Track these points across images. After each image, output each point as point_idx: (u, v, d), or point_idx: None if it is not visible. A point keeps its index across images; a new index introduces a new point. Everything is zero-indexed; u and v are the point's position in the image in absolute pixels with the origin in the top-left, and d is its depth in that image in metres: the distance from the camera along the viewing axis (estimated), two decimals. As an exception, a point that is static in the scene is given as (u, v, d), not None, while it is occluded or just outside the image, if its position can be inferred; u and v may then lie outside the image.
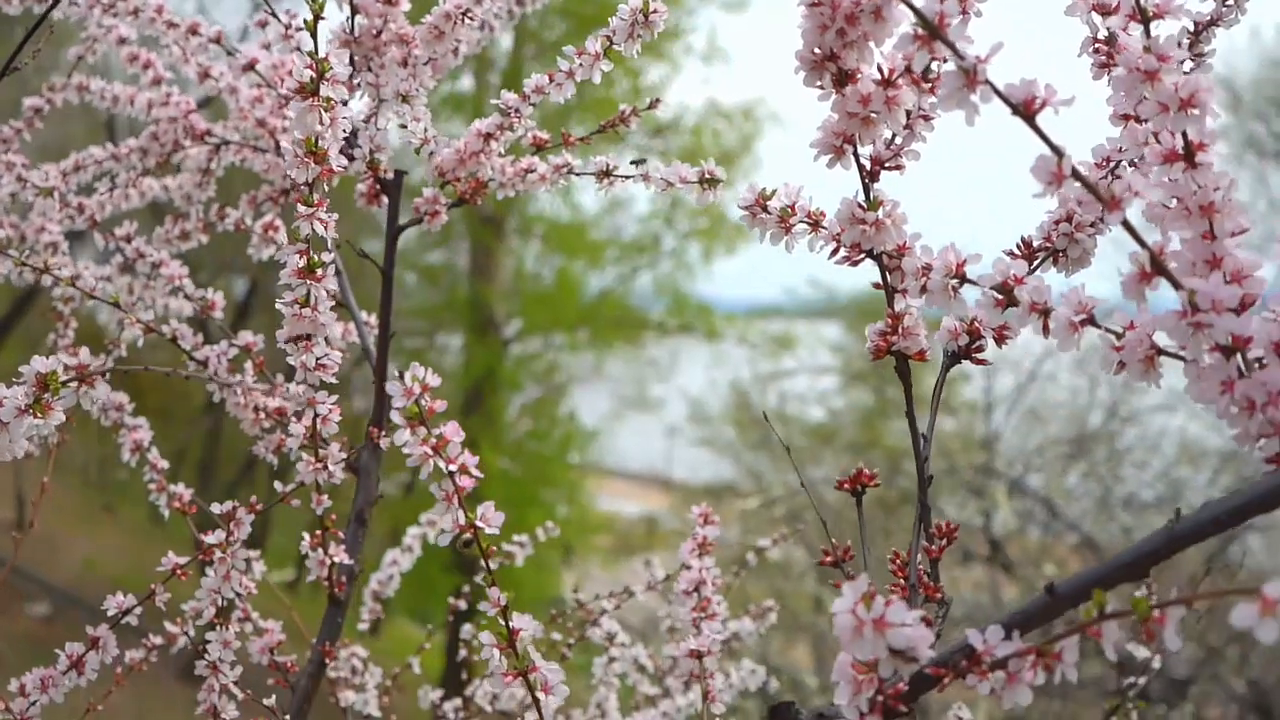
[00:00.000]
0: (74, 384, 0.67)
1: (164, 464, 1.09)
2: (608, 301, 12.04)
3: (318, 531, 0.95)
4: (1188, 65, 0.73)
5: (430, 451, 0.61)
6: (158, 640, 1.07)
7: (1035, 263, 0.68)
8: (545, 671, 0.64)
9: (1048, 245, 0.68)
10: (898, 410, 8.93)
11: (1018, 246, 0.68)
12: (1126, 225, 0.51)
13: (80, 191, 1.28)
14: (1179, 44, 0.72)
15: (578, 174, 0.96)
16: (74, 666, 0.89)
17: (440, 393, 0.61)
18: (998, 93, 0.50)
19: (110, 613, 0.90)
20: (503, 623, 0.65)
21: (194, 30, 1.10)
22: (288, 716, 0.92)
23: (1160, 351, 0.54)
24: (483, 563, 0.65)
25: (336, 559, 0.96)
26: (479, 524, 0.63)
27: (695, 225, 12.03)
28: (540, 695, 0.64)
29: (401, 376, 0.60)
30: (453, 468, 0.62)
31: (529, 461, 11.19)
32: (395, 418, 0.61)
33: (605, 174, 0.94)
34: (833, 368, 9.89)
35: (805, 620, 7.08)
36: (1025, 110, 0.50)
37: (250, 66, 1.05)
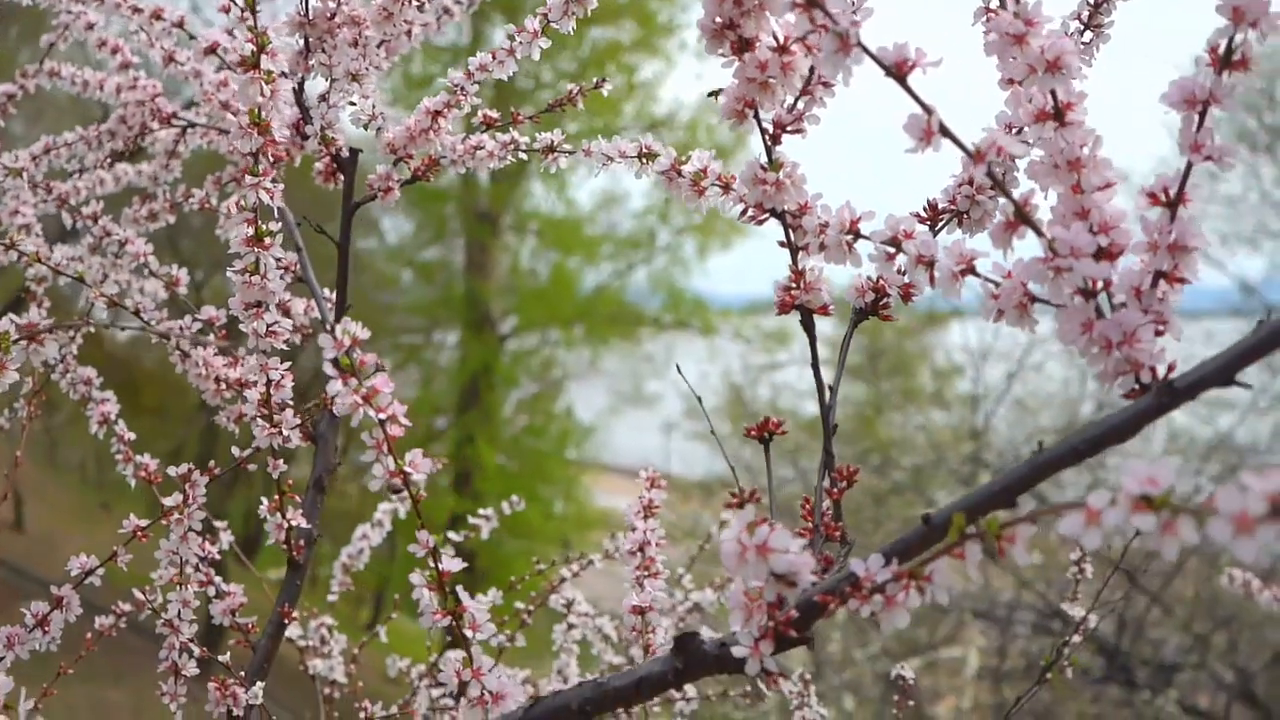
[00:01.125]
0: (23, 342, 0.71)
1: (131, 435, 1.12)
2: (603, 297, 12.07)
3: (275, 496, 0.99)
4: (1087, 36, 0.77)
5: (361, 401, 0.65)
6: (126, 607, 1.11)
7: (940, 223, 0.72)
8: (473, 610, 0.68)
9: (952, 207, 0.71)
10: (891, 403, 8.98)
11: (923, 208, 0.72)
12: (990, 176, 0.54)
13: (55, 176, 1.32)
14: (1077, 16, 0.76)
15: (524, 151, 0.99)
16: (39, 624, 0.93)
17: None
18: (871, 55, 0.54)
19: (73, 573, 0.94)
20: (432, 564, 0.68)
21: (158, 15, 1.14)
22: (244, 673, 0.96)
23: (1033, 299, 0.58)
24: (414, 510, 0.68)
25: (294, 523, 1.00)
26: (407, 469, 0.67)
27: (690, 221, 12.08)
28: (469, 633, 0.68)
29: (333, 331, 0.64)
30: (383, 416, 0.65)
31: (526, 457, 11.22)
32: (327, 369, 0.64)
33: (550, 149, 0.97)
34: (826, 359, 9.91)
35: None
36: (897, 72, 0.54)
37: (212, 50, 1.09)
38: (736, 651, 0.58)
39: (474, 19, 9.16)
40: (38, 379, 1.21)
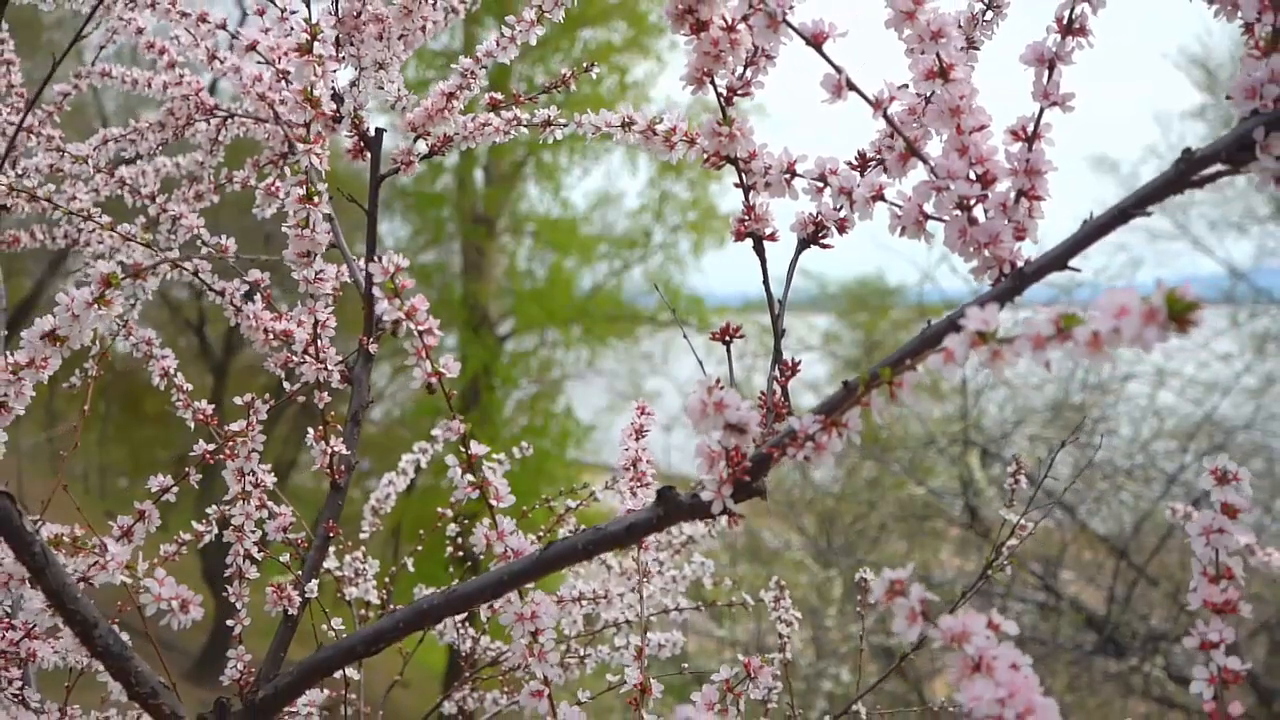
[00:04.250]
0: (130, 279, 0.87)
1: (188, 386, 1.29)
2: (600, 297, 12.23)
3: (320, 427, 1.16)
4: (989, 15, 0.93)
5: (404, 315, 0.82)
6: (187, 536, 1.28)
7: (868, 167, 0.88)
8: (496, 484, 0.85)
9: (878, 156, 0.88)
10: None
11: (855, 156, 0.89)
12: (886, 119, 0.71)
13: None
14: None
15: (525, 125, 1.16)
16: (125, 535, 1.09)
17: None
18: (794, 30, 0.71)
19: (153, 490, 1.11)
20: (463, 449, 0.85)
21: (203, 19, 1.30)
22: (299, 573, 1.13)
23: (926, 215, 0.75)
24: (446, 403, 0.85)
25: (337, 450, 1.17)
26: (441, 370, 0.83)
27: (685, 219, 12.24)
28: (493, 502, 0.84)
29: (381, 260, 0.81)
30: (422, 328, 0.82)
31: (526, 457, 11.39)
32: (376, 291, 0.81)
33: (547, 123, 1.14)
34: (818, 348, 10.06)
35: (804, 611, 7.29)
36: (815, 41, 0.71)
37: (252, 47, 1.25)
38: (704, 496, 0.74)
39: (466, 24, 9.35)
40: (103, 343, 1.38)
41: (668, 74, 11.40)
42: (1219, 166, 0.65)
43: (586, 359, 12.57)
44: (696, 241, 11.97)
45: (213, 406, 1.27)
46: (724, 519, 0.76)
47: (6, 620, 1.11)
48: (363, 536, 1.58)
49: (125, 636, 0.88)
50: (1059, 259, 0.67)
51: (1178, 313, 0.48)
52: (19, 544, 0.76)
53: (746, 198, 0.83)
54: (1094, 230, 0.67)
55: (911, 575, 0.61)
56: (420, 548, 1.67)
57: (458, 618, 1.54)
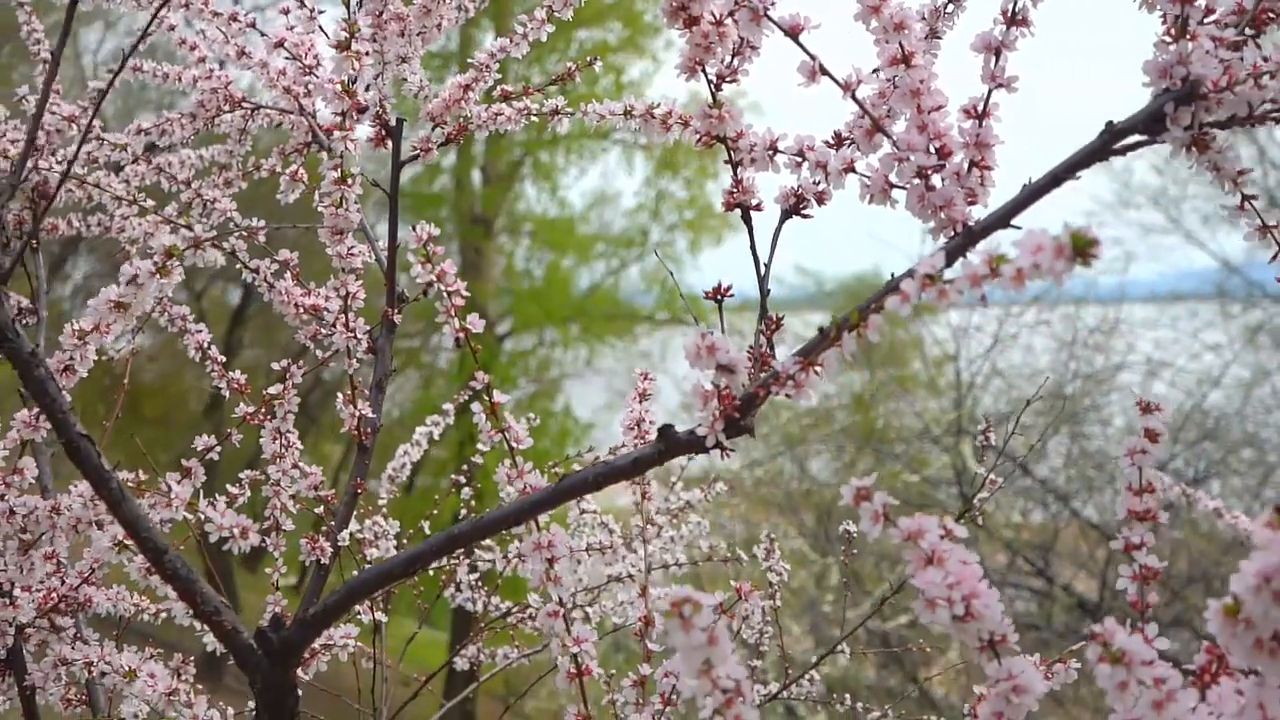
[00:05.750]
0: (190, 249, 0.98)
1: (222, 358, 1.40)
2: (598, 296, 12.34)
3: (349, 391, 1.27)
4: (950, 8, 1.04)
5: (435, 278, 0.93)
6: (236, 491, 1.38)
7: (842, 146, 0.99)
8: (517, 428, 0.95)
9: (850, 134, 0.99)
10: (889, 393, 9.25)
11: (832, 136, 1.00)
12: (855, 100, 0.82)
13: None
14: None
15: (535, 115, 1.27)
16: (180, 482, 1.20)
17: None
18: (774, 22, 0.81)
19: (199, 448, 1.22)
20: (487, 398, 0.96)
21: (234, 18, 1.41)
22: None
23: (891, 184, 0.86)
24: (473, 357, 0.96)
25: (364, 413, 1.27)
26: (469, 326, 0.94)
27: (682, 218, 12.35)
28: (514, 444, 0.95)
29: (413, 228, 0.92)
30: (450, 289, 0.93)
31: (526, 457, 11.48)
32: (410, 257, 0.92)
33: (555, 113, 1.25)
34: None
35: (804, 602, 7.41)
36: (792, 32, 0.82)
37: (280, 44, 1.36)
38: (699, 431, 0.85)
39: (463, 26, 9.46)
40: (140, 319, 1.49)
41: (663, 73, 11.51)
42: (1138, 137, 0.76)
43: (585, 358, 12.67)
44: (693, 240, 12.09)
45: (245, 376, 1.37)
46: (719, 487, 0.87)
47: (61, 569, 1.22)
48: (381, 503, 1.69)
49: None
50: (1002, 219, 0.78)
51: (1080, 248, 0.58)
52: (99, 479, 0.86)
53: (735, 173, 0.94)
54: (1032, 193, 0.78)
55: (875, 483, 0.72)
56: (435, 511, 1.77)
57: (472, 577, 1.65)
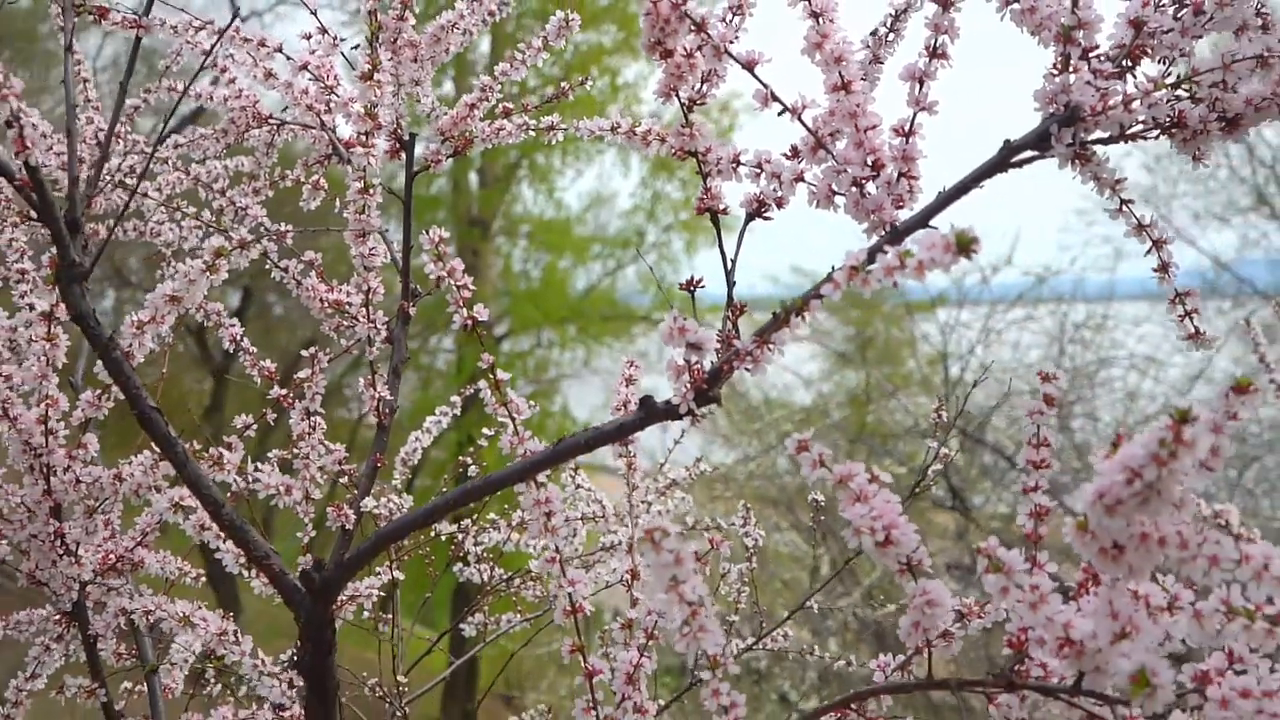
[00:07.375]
0: (236, 249, 1.14)
1: (253, 349, 1.56)
2: (594, 296, 12.49)
3: (368, 375, 1.43)
4: (891, 37, 1.20)
5: (445, 274, 1.09)
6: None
7: (801, 160, 1.15)
8: (518, 401, 1.11)
9: (800, 151, 1.15)
10: (880, 391, 9.42)
11: (789, 149, 1.16)
12: (800, 121, 0.98)
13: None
14: (883, 24, 1.20)
15: (533, 130, 1.43)
16: (222, 452, 1.36)
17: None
18: (733, 57, 0.98)
19: (239, 425, 1.37)
20: (491, 375, 1.12)
21: (262, 43, 1.57)
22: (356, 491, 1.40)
23: (834, 191, 1.02)
24: (480, 344, 1.12)
25: (382, 395, 1.43)
26: (475, 315, 1.10)
27: (677, 218, 12.51)
28: (515, 415, 1.11)
29: (425, 231, 1.08)
30: (459, 283, 1.09)
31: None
32: (424, 256, 1.08)
33: (551, 128, 1.41)
34: (811, 344, 10.33)
35: (798, 595, 7.57)
36: (748, 66, 0.98)
37: (304, 67, 1.52)
38: (674, 400, 1.01)
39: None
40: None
41: (658, 76, 11.66)
42: (1030, 152, 0.92)
43: (582, 358, 12.82)
44: (690, 240, 12.25)
45: (274, 365, 1.53)
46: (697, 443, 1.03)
47: (115, 534, 1.38)
48: (395, 483, 1.85)
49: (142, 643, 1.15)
50: (919, 222, 0.95)
51: (963, 245, 0.75)
52: (166, 444, 1.02)
53: (705, 182, 1.10)
54: (944, 199, 0.94)
55: (813, 435, 0.88)
56: (444, 489, 1.93)
57: (480, 548, 1.81)
